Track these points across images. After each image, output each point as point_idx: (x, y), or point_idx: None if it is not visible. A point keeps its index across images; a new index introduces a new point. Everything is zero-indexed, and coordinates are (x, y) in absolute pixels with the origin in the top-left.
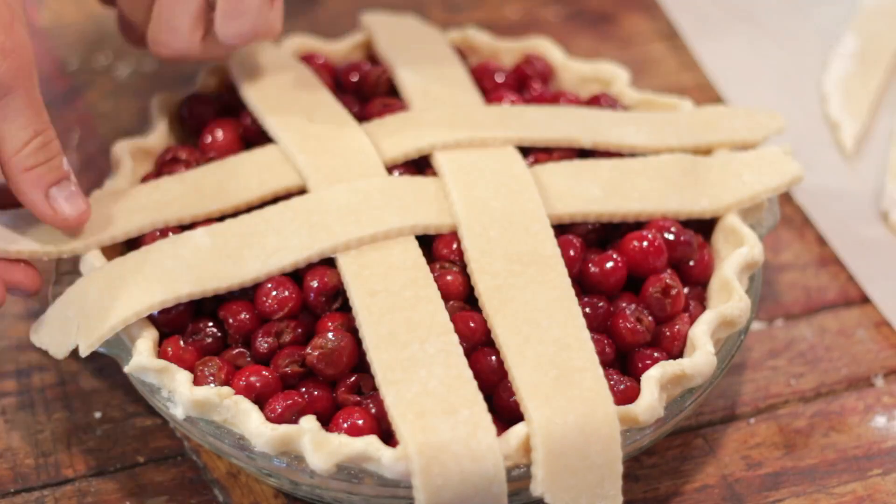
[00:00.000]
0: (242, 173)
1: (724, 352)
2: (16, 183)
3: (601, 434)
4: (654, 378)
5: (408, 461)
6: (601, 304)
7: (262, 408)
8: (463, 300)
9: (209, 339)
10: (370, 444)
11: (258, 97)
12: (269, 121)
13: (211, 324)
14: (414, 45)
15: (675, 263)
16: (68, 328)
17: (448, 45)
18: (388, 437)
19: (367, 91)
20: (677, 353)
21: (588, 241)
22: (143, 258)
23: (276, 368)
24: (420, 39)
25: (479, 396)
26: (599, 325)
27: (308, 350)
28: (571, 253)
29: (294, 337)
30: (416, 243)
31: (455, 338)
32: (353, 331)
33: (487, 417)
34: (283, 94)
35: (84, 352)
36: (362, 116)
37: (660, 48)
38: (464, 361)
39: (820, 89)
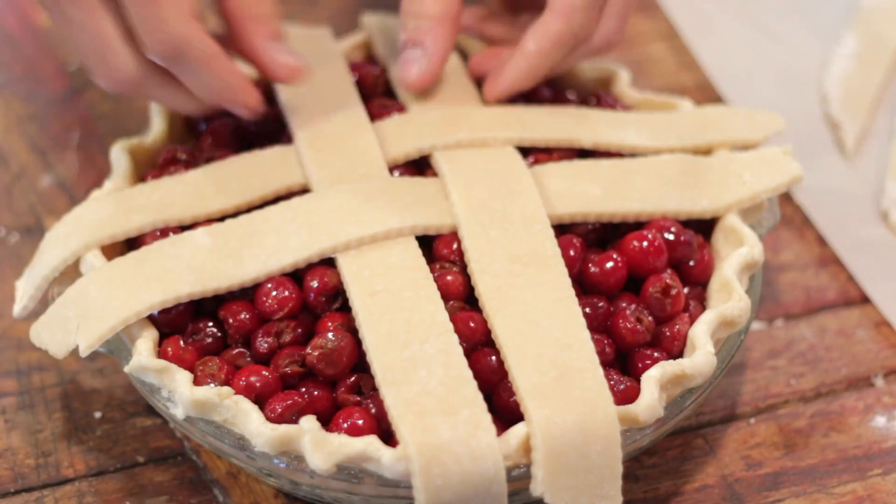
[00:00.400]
0: (243, 173)
1: (724, 352)
2: (240, 30)
3: (601, 434)
4: (654, 378)
5: (408, 461)
6: (601, 304)
7: (262, 408)
8: (463, 300)
9: (209, 339)
10: (370, 444)
11: (291, 92)
12: (292, 117)
13: (211, 324)
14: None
15: (675, 263)
16: (68, 328)
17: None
18: (388, 437)
19: (366, 91)
20: (677, 353)
21: (588, 241)
22: (143, 258)
23: (276, 368)
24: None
25: (479, 396)
26: (599, 325)
27: (308, 350)
28: (571, 253)
29: (294, 337)
30: (416, 244)
31: (455, 338)
32: (353, 331)
33: (487, 417)
34: (313, 90)
35: (84, 352)
36: None
37: (660, 48)
38: (464, 362)
39: (820, 89)
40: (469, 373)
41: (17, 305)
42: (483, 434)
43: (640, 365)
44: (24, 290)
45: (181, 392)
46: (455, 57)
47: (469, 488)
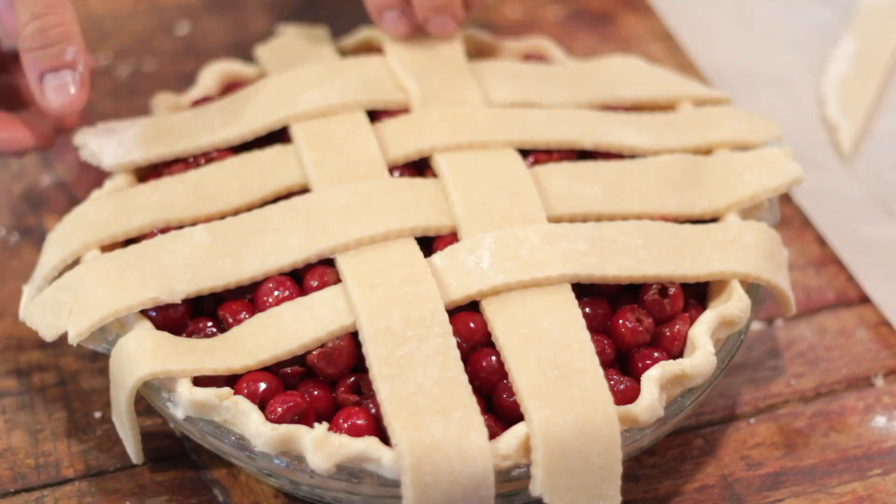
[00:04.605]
0: (243, 173)
1: (724, 352)
2: (21, 60)
3: (601, 434)
4: (654, 378)
5: (398, 457)
6: (601, 304)
7: (262, 408)
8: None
9: None
10: (370, 444)
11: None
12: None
13: (210, 323)
14: (411, 45)
15: None
16: (60, 312)
17: (455, 48)
18: (389, 438)
19: None
20: (677, 353)
21: None
22: (141, 252)
23: (276, 368)
24: (418, 40)
25: (473, 400)
26: (599, 326)
27: None
28: None
29: None
30: (415, 244)
31: (453, 340)
32: (352, 331)
33: (480, 420)
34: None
35: (73, 340)
36: None
37: (659, 48)
38: (460, 365)
39: (818, 91)
40: (464, 377)
41: (21, 308)
42: (475, 436)
43: (640, 365)
44: (27, 291)
45: (181, 393)
46: (457, 56)
47: (457, 489)
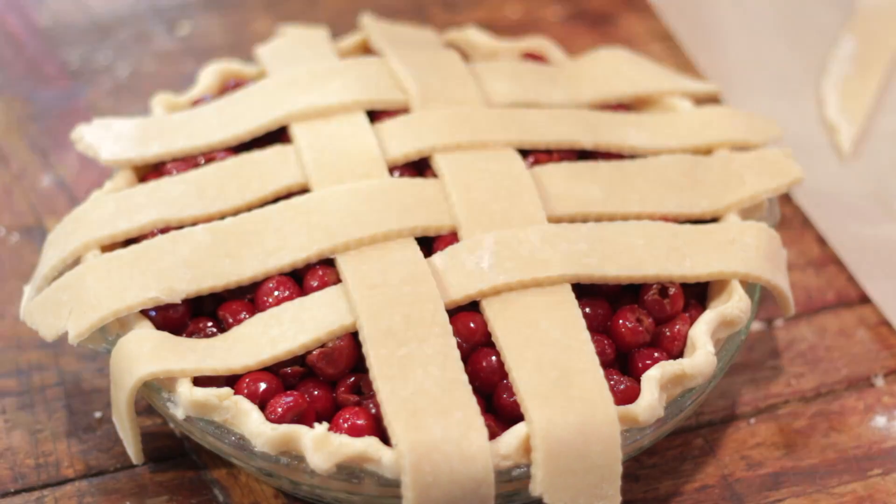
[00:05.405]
0: (243, 173)
1: (724, 352)
2: None
3: (601, 435)
4: (654, 378)
5: (399, 457)
6: (601, 304)
7: (262, 408)
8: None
9: None
10: (370, 444)
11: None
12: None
13: (210, 323)
14: (411, 44)
15: None
16: (60, 312)
17: (447, 49)
18: (389, 438)
19: None
20: (677, 353)
21: None
22: (142, 252)
23: (276, 368)
24: (418, 40)
25: (473, 400)
26: (599, 326)
27: None
28: None
29: None
30: (415, 244)
31: (453, 340)
32: (352, 331)
33: (480, 420)
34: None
35: (73, 339)
36: None
37: (659, 48)
38: (460, 365)
39: (818, 91)
40: (464, 377)
41: (21, 308)
42: (475, 436)
43: (640, 365)
44: (27, 291)
45: (181, 393)
46: (457, 56)
47: (457, 488)
